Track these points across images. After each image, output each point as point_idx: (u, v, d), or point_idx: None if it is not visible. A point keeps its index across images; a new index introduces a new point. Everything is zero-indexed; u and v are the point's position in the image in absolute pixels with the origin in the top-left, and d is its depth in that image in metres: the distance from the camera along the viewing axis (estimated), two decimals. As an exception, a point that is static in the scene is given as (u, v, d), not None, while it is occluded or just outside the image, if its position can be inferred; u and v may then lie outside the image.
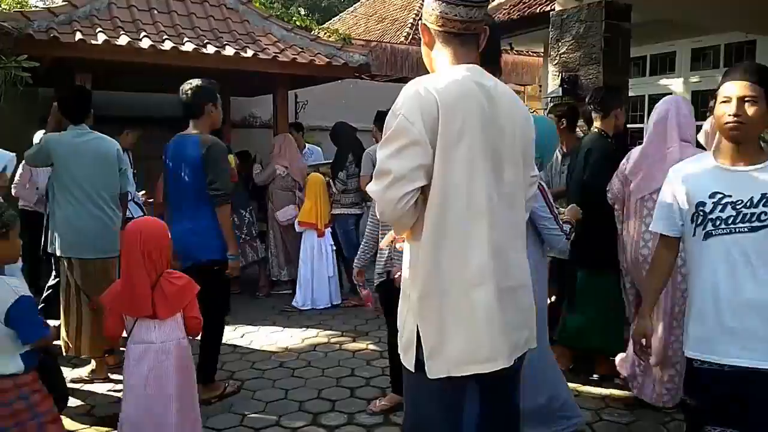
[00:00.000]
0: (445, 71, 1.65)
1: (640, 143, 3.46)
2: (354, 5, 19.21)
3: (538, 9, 7.33)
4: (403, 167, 1.52)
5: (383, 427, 3.24)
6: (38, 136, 4.20)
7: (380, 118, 4.91)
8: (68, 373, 3.72)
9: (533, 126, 1.80)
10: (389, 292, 3.03)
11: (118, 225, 3.88)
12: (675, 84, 7.29)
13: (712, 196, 1.96)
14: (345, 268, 5.91)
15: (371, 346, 4.56)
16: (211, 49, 5.71)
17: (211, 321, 3.14)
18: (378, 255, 3.28)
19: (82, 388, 3.71)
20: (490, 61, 2.66)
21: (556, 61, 5.24)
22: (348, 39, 9.51)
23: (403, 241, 1.72)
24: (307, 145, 7.39)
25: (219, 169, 3.49)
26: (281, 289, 6.15)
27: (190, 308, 2.55)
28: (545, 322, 2.92)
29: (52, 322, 2.65)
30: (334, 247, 5.80)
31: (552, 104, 5.04)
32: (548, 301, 3.84)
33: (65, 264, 3.71)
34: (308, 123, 8.41)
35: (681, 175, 2.09)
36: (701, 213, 1.98)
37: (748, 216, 1.90)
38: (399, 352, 1.67)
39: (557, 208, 2.94)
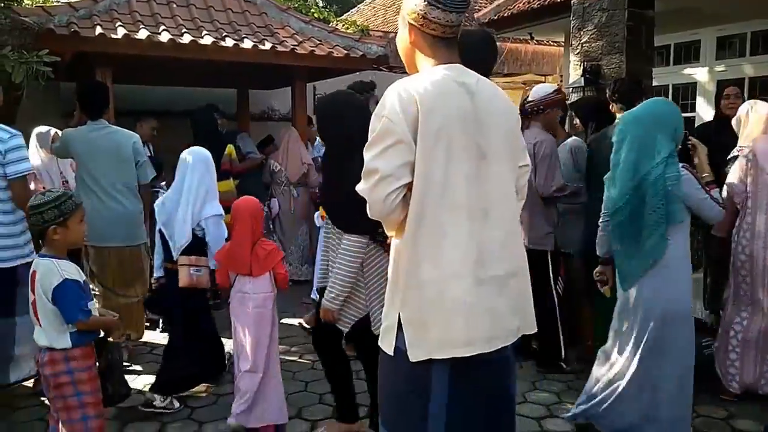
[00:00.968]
0: (426, 72, 1.71)
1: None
2: (371, -4, 19.11)
3: (559, -2, 7.22)
4: (390, 165, 1.59)
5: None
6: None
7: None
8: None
9: (518, 117, 1.86)
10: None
11: (138, 215, 3.92)
12: (699, 73, 7.15)
13: None
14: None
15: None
16: (229, 42, 5.72)
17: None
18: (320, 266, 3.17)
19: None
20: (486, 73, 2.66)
21: (577, 51, 5.15)
22: (366, 30, 9.47)
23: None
24: (317, 138, 7.39)
25: None
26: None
27: (278, 267, 3.11)
28: (691, 326, 2.83)
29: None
30: None
31: (574, 96, 4.96)
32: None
33: (83, 251, 3.80)
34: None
35: None
36: None
37: None
38: (378, 337, 1.75)
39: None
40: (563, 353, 3.89)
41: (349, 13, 17.84)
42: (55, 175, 4.35)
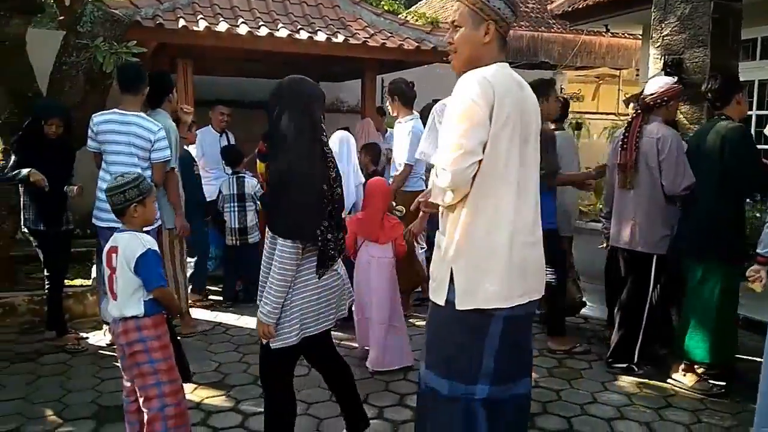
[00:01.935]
0: (496, 66, 1.97)
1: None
2: (441, -12, 18.97)
3: (638, -11, 6.98)
4: (472, 142, 1.87)
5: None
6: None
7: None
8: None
9: (539, 107, 2.12)
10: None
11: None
12: (789, 68, 6.76)
13: None
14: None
15: (418, 323, 4.59)
16: (303, 35, 5.82)
17: None
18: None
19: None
20: None
21: (658, 44, 4.96)
22: (436, 22, 9.41)
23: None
24: (388, 129, 7.43)
25: None
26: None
27: (399, 239, 3.81)
28: None
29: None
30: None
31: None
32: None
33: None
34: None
35: None
36: None
37: None
38: (429, 293, 2.11)
39: None
40: (636, 356, 3.78)
41: (417, 5, 17.77)
42: None
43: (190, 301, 4.64)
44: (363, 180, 4.51)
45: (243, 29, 5.58)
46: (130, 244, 2.50)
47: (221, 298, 5.30)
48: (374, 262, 3.77)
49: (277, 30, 5.78)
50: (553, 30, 11.47)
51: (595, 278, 4.83)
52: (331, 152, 2.50)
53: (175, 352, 2.70)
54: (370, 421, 2.88)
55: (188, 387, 3.35)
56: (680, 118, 4.33)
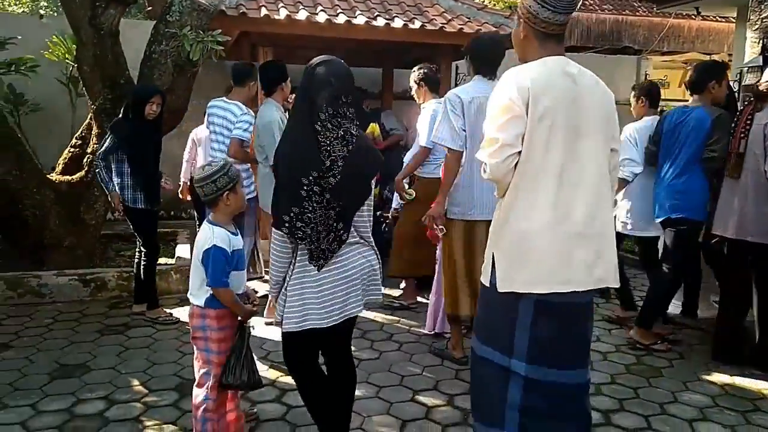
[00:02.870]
0: (538, 62, 2.02)
1: None
2: (519, -28, 18.48)
3: (735, -32, 6.56)
4: (509, 136, 1.96)
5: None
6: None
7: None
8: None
9: (613, 101, 2.11)
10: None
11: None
12: None
13: None
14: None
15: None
16: (380, 22, 5.84)
17: None
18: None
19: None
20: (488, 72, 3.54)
21: (756, 27, 4.68)
22: (515, 6, 9.21)
23: None
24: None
25: None
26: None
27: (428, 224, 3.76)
28: None
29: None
30: None
31: (751, 77, 4.50)
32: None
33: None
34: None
35: None
36: None
37: None
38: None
39: None
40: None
41: (494, -11, 17.42)
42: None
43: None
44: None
45: (321, 17, 5.66)
46: (203, 236, 2.50)
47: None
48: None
49: (355, 17, 5.82)
50: (638, 13, 10.96)
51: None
52: (339, 140, 2.20)
53: (245, 357, 2.57)
54: (440, 408, 2.86)
55: (262, 366, 3.46)
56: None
